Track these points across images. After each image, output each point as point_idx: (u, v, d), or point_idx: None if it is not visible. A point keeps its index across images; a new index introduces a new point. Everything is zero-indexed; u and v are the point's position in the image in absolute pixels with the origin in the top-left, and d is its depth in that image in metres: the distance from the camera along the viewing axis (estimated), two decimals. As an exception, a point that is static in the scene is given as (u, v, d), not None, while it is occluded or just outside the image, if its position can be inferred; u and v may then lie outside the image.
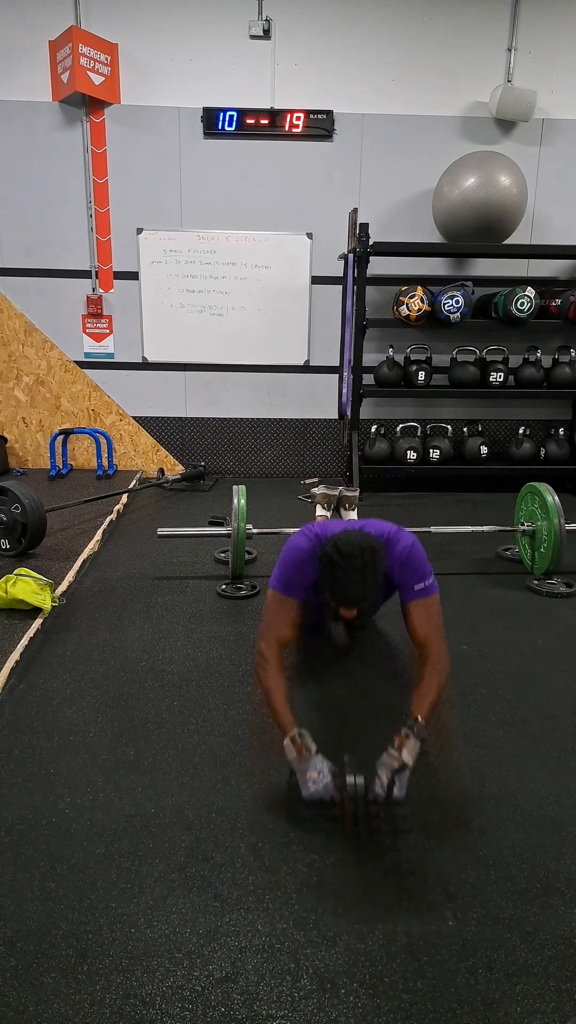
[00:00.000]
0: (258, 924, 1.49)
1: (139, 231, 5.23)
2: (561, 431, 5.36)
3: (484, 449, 5.21)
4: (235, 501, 3.25)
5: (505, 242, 5.00)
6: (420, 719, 1.86)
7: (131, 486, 5.07)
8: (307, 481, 3.96)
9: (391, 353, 5.15)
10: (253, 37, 4.91)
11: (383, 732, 1.91)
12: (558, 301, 5.06)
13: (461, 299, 4.80)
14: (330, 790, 1.77)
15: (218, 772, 1.98)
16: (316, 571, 1.98)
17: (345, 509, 3.59)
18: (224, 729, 2.19)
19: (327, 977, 1.37)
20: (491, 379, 5.09)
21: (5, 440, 5.52)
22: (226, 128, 5.04)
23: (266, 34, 4.90)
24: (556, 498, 3.38)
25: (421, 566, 2.08)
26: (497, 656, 2.71)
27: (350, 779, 1.73)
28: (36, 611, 2.91)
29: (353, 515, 3.53)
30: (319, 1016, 1.29)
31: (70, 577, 3.35)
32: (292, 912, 1.52)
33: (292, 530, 2.53)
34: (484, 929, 1.48)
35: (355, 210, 4.82)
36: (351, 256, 4.80)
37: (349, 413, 5.02)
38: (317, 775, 1.78)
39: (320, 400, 5.58)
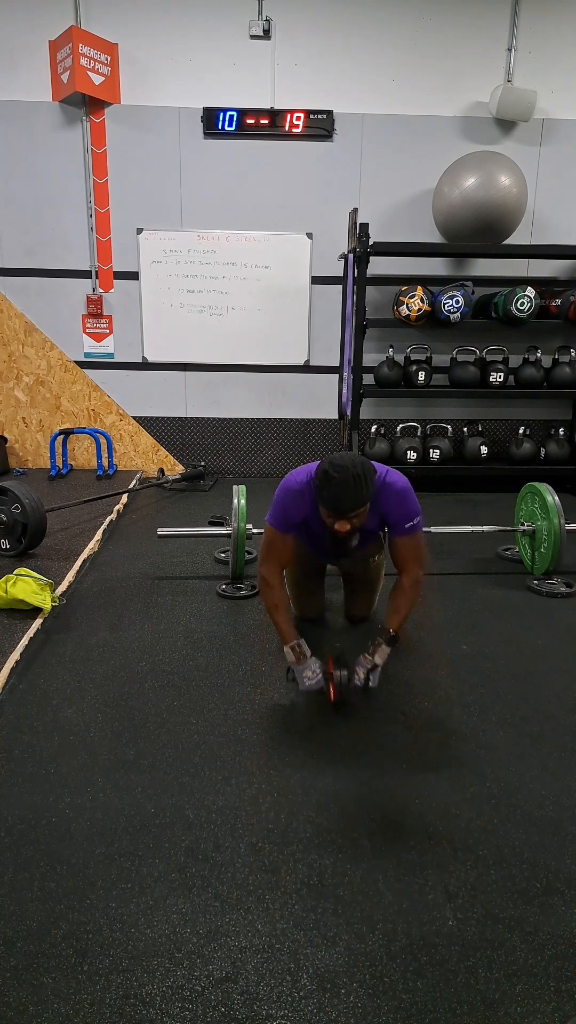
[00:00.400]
0: (258, 924, 1.49)
1: (139, 231, 5.23)
2: (561, 431, 5.36)
3: (484, 449, 5.21)
4: (235, 501, 3.25)
5: (505, 242, 5.00)
6: (392, 630, 2.29)
7: (131, 486, 5.07)
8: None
9: (391, 353, 5.15)
10: (253, 37, 4.91)
11: (362, 641, 2.41)
12: (558, 301, 5.06)
13: (461, 299, 4.79)
14: (321, 683, 2.24)
15: (218, 772, 1.98)
16: (306, 508, 2.30)
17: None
18: (224, 729, 2.19)
19: (327, 977, 1.37)
20: (491, 379, 5.09)
21: (5, 440, 5.52)
22: (226, 128, 5.04)
23: (266, 34, 4.90)
24: (556, 498, 3.38)
25: (412, 506, 2.32)
26: (497, 656, 2.72)
27: (336, 674, 2.22)
28: (36, 611, 2.91)
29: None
30: (319, 1016, 1.29)
31: (70, 577, 3.35)
32: (292, 912, 1.52)
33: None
34: (484, 929, 1.48)
35: (355, 210, 4.82)
36: (351, 256, 4.80)
37: (349, 413, 5.02)
38: (312, 673, 2.24)
39: (320, 400, 5.58)
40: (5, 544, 3.54)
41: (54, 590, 3.04)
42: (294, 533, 2.41)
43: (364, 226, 4.64)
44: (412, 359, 5.17)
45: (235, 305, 5.37)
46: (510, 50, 5.01)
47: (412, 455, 5.13)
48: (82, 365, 5.48)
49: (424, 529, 2.40)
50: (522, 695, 2.43)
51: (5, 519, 3.48)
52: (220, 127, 5.04)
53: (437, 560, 3.75)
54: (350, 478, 2.05)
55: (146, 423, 5.64)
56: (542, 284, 5.19)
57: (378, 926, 1.49)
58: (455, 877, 1.62)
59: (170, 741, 2.13)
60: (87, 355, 5.46)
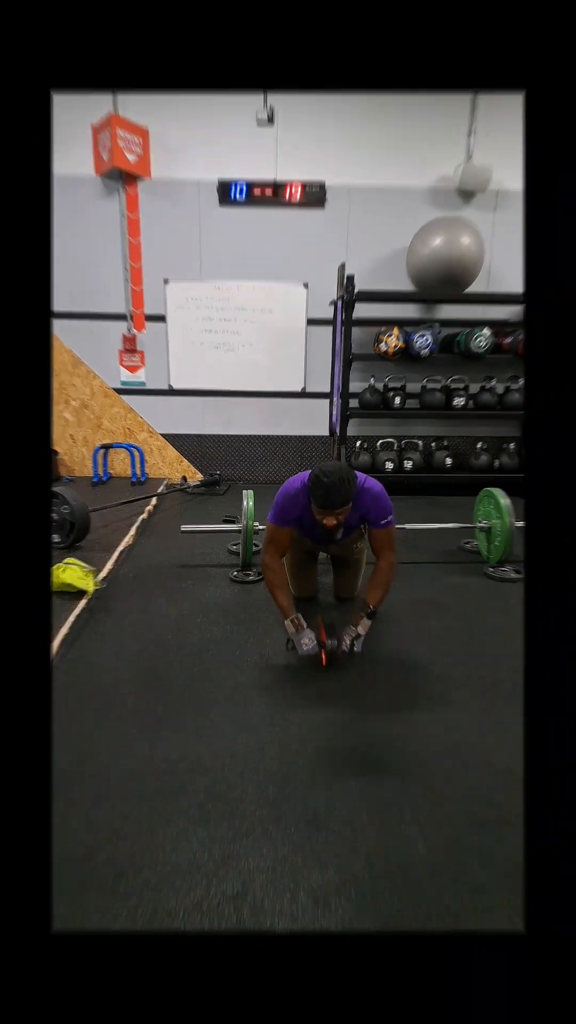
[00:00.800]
0: (264, 850, 1.49)
1: (166, 281, 5.22)
2: (512, 445, 5.36)
3: (449, 460, 5.21)
4: (245, 503, 3.25)
5: (466, 291, 4.99)
6: (371, 606, 2.37)
7: (159, 491, 5.07)
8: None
9: (372, 382, 5.14)
10: (260, 123, 4.91)
11: (348, 615, 2.55)
12: (509, 339, 5.06)
13: (430, 337, 4.80)
14: (316, 649, 2.31)
15: (231, 727, 1.98)
16: (300, 507, 2.35)
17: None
18: (236, 692, 2.19)
19: (320, 894, 1.37)
20: (454, 403, 5.09)
21: (56, 453, 5.52)
22: (237, 197, 5.04)
23: (270, 120, 4.89)
24: (508, 500, 3.38)
25: (386, 506, 2.38)
26: (458, 630, 2.71)
27: (328, 642, 2.29)
28: (81, 593, 2.91)
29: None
30: (314, 926, 1.30)
31: (109, 565, 3.34)
32: (292, 841, 1.52)
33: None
34: (449, 854, 1.49)
35: (343, 264, 4.82)
36: (339, 302, 4.79)
37: (338, 431, 5.02)
38: (308, 641, 2.30)
39: (314, 420, 5.58)
40: (56, 538, 3.54)
41: (96, 576, 3.04)
42: (290, 527, 2.45)
43: (351, 278, 4.64)
44: (390, 387, 5.16)
45: (244, 342, 5.37)
46: (470, 134, 5.00)
47: (389, 465, 5.13)
48: (119, 392, 5.47)
49: (398, 526, 2.40)
50: (479, 662, 2.43)
51: (56, 518, 3.48)
52: (232, 197, 5.04)
53: (410, 552, 3.75)
54: (336, 481, 2.13)
55: (172, 439, 5.64)
56: (496, 325, 5.18)
57: (362, 853, 1.49)
58: (426, 812, 1.62)
59: (191, 701, 2.12)
60: (123, 383, 5.46)
